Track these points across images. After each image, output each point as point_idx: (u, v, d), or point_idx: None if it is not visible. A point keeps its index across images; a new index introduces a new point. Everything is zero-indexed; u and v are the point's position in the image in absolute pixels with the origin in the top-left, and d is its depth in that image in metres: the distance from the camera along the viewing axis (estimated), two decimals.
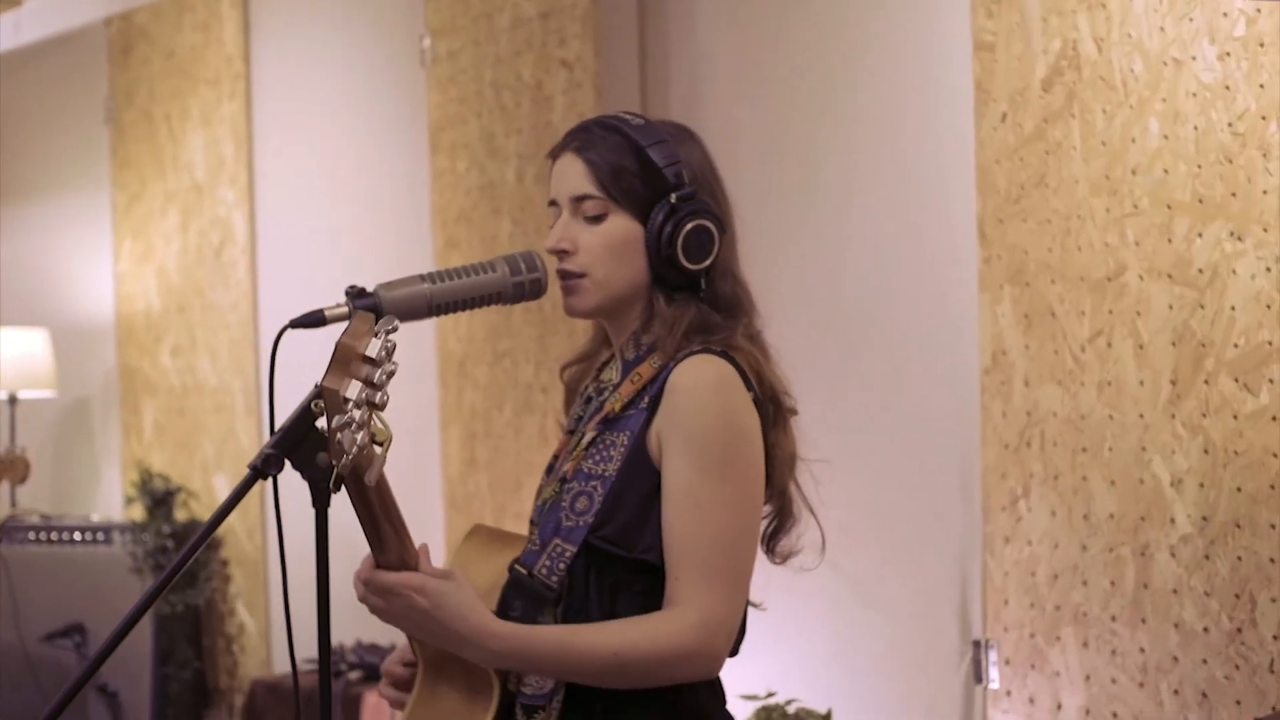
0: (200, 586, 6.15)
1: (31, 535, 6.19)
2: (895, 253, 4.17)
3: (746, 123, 4.53)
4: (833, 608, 4.25)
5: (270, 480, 2.10)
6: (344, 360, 1.96)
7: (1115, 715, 3.57)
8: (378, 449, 1.99)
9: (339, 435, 1.92)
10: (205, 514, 6.23)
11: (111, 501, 6.74)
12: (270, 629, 6.13)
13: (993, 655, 3.82)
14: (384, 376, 1.97)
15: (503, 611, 2.26)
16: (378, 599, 2.17)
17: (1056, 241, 3.65)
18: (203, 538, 2.18)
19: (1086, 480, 3.61)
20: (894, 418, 4.17)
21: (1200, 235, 3.36)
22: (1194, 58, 3.37)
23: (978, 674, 3.88)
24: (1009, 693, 3.79)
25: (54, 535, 6.17)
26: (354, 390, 1.94)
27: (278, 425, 2.09)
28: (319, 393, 2.02)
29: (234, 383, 6.19)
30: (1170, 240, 3.42)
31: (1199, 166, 3.36)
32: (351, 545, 2.16)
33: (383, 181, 5.65)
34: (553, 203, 2.36)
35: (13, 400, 6.58)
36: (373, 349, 1.98)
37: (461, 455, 5.23)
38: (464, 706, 2.25)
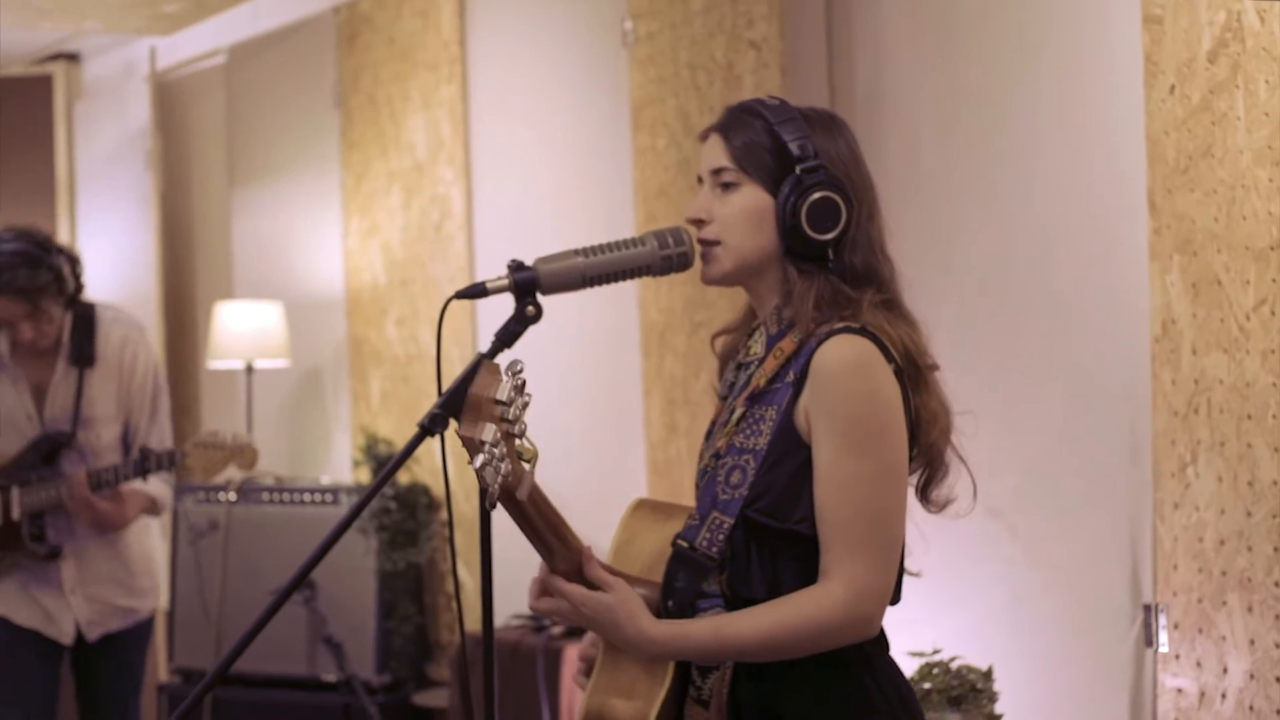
0: (422, 546, 6.39)
1: (266, 496, 6.44)
2: (1069, 223, 4.23)
3: (927, 99, 4.62)
4: (1006, 570, 4.34)
5: (441, 439, 2.34)
6: (475, 408, 2.18)
7: (1279, 679, 3.62)
8: (526, 466, 2.22)
9: (483, 473, 2.14)
10: (427, 477, 6.47)
11: (341, 465, 7.00)
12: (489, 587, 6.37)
13: (1162, 619, 3.88)
14: (518, 410, 2.19)
15: (669, 583, 2.43)
16: (552, 604, 2.40)
17: (1222, 211, 3.70)
18: (379, 484, 2.45)
19: (1251, 447, 3.66)
20: (1067, 385, 4.24)
21: None
22: None
23: (1148, 637, 3.95)
24: (1177, 656, 3.85)
25: (286, 496, 6.41)
26: (489, 432, 2.15)
27: (444, 387, 2.32)
28: (479, 363, 2.26)
29: (453, 352, 6.43)
30: None
31: None
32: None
33: (589, 158, 5.82)
34: (700, 179, 2.54)
35: (249, 370, 6.89)
36: (502, 392, 2.19)
37: (662, 421, 5.41)
38: (644, 670, 2.42)
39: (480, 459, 2.14)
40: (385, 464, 6.36)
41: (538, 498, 2.31)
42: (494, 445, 2.15)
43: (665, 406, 5.39)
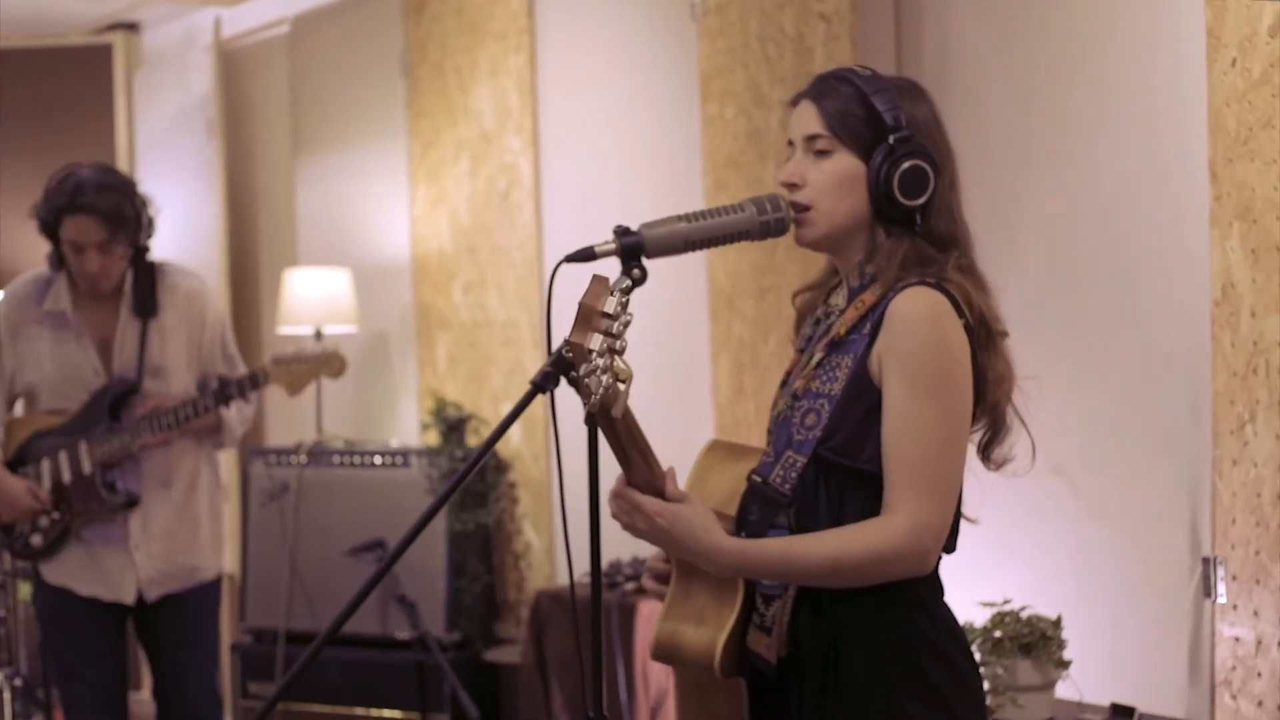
0: (490, 507, 6.53)
1: (336, 459, 6.58)
2: (1133, 192, 4.37)
3: (994, 72, 4.76)
4: (1071, 526, 4.49)
5: (550, 397, 2.48)
6: (586, 318, 2.30)
7: None
8: (621, 386, 2.33)
9: (587, 380, 2.26)
10: None
11: (408, 428, 7.13)
12: (554, 547, 6.52)
13: (1221, 571, 4.03)
14: (621, 327, 2.30)
15: (742, 515, 2.58)
16: (626, 515, 2.52)
17: None
18: (491, 442, 2.54)
19: None
20: (1131, 347, 4.39)
21: None
22: None
23: (1207, 589, 4.10)
24: (1235, 606, 4.00)
25: (357, 459, 6.55)
26: (597, 341, 2.27)
27: (554, 347, 2.45)
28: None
29: (521, 318, 6.58)
30: None
31: None
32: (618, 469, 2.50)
33: (656, 128, 5.95)
34: (790, 143, 2.67)
35: (318, 335, 6.94)
36: (610, 305, 2.30)
37: (730, 384, 5.56)
38: (714, 598, 2.56)
39: (585, 367, 2.26)
40: (454, 427, 6.54)
41: (629, 418, 2.43)
42: (600, 355, 2.27)
43: (733, 369, 5.54)
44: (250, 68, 8.17)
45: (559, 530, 6.49)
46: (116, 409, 4.61)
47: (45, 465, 4.62)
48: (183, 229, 8.08)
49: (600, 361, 2.26)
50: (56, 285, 4.65)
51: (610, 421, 2.39)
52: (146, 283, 4.65)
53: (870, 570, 2.48)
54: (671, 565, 2.63)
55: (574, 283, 2.43)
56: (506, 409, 6.68)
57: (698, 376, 5.69)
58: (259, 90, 8.14)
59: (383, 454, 6.57)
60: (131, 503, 4.62)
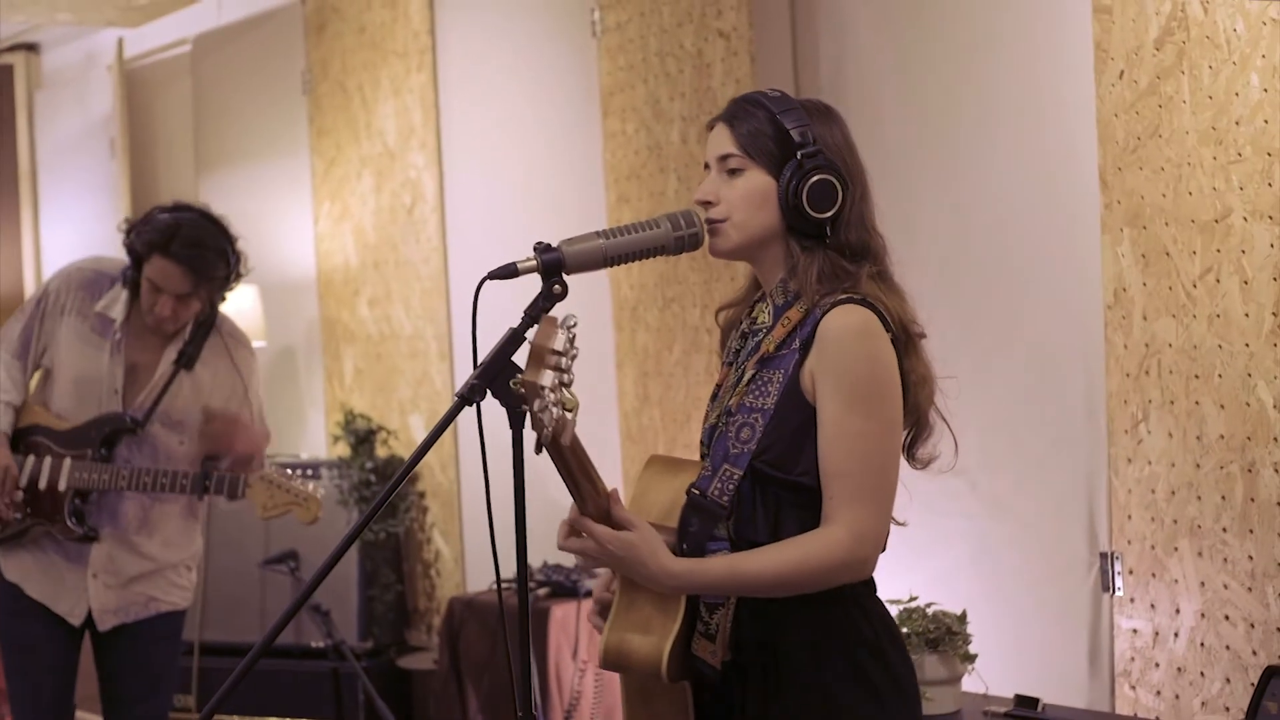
0: (400, 517, 6.62)
1: None
2: (1026, 200, 4.50)
3: (888, 83, 4.88)
4: (971, 524, 4.62)
5: (477, 409, 2.56)
6: (539, 357, 2.38)
7: (1227, 617, 3.91)
8: (568, 415, 2.42)
9: (541, 415, 2.35)
10: (404, 451, 6.67)
11: (317, 441, 7.20)
12: (463, 555, 6.60)
13: (1118, 566, 4.18)
14: (569, 361, 2.41)
15: (683, 528, 2.66)
16: (579, 544, 2.59)
17: (1170, 187, 3.99)
18: (421, 453, 2.57)
19: (1199, 405, 3.95)
20: (1026, 350, 4.52)
21: None
22: None
23: (1105, 583, 4.24)
24: (1132, 599, 4.14)
25: None
26: (549, 378, 2.35)
27: (479, 361, 2.54)
28: (513, 337, 2.49)
29: (427, 330, 6.65)
30: (1271, 184, 3.73)
31: None
32: (539, 478, 2.58)
33: (559, 143, 6.04)
34: (706, 165, 2.78)
35: None
36: (559, 343, 2.40)
37: (636, 392, 5.66)
38: (658, 608, 2.64)
39: (538, 403, 2.34)
40: (363, 439, 6.60)
41: (576, 445, 2.52)
42: (551, 391, 2.36)
43: (638, 378, 5.64)
44: (153, 87, 8.19)
45: (470, 538, 6.61)
46: (110, 441, 4.43)
47: (30, 461, 4.43)
48: (86, 247, 8.05)
49: (551, 397, 2.36)
50: (117, 290, 4.44)
51: (561, 451, 2.49)
52: (200, 336, 4.49)
53: (815, 580, 2.58)
54: (616, 579, 2.71)
55: (485, 294, 2.53)
56: (415, 420, 6.80)
57: (604, 385, 5.79)
58: (161, 109, 8.16)
59: (293, 466, 6.59)
60: (88, 538, 4.44)
